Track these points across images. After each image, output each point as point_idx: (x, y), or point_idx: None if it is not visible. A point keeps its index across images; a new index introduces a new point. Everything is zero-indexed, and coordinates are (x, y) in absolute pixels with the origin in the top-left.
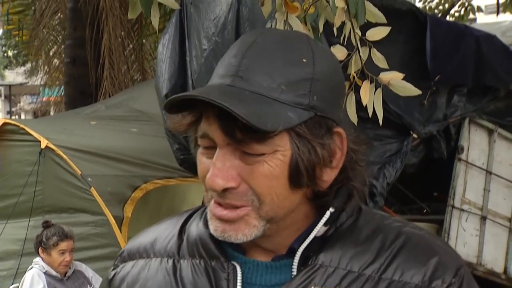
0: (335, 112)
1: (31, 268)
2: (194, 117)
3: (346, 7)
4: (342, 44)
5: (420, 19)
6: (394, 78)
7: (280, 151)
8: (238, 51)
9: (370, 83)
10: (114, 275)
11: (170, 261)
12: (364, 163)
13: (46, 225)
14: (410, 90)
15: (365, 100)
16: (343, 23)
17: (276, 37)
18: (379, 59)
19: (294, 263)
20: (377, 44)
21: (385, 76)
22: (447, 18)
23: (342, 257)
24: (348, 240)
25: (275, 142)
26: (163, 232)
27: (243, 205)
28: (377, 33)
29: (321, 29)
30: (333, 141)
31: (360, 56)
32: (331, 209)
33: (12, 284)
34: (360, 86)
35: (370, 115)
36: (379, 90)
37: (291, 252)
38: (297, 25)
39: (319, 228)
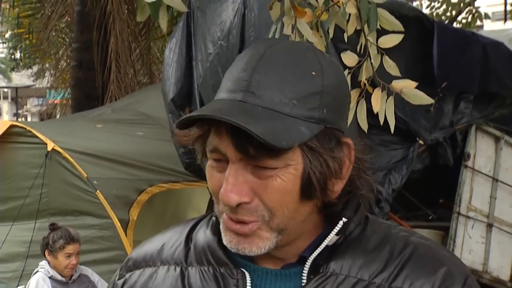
0: (342, 122)
1: (37, 271)
2: (202, 131)
3: (358, 13)
4: (359, 52)
5: (427, 26)
6: (407, 87)
7: (292, 165)
8: (247, 65)
9: (382, 91)
10: (123, 285)
11: (178, 269)
12: (370, 172)
13: (53, 227)
14: (422, 98)
15: (376, 108)
16: (359, 31)
17: (284, 50)
18: (391, 67)
19: (304, 271)
20: (383, 50)
21: (397, 84)
22: (454, 25)
23: (352, 265)
24: (357, 249)
25: (288, 157)
26: (169, 240)
27: (253, 221)
28: (389, 41)
29: (331, 35)
30: (342, 153)
31: (371, 63)
32: (344, 219)
33: (17, 286)
34: (371, 94)
35: (382, 123)
36: (391, 98)
37: (301, 260)
38: (306, 30)
39: (331, 237)
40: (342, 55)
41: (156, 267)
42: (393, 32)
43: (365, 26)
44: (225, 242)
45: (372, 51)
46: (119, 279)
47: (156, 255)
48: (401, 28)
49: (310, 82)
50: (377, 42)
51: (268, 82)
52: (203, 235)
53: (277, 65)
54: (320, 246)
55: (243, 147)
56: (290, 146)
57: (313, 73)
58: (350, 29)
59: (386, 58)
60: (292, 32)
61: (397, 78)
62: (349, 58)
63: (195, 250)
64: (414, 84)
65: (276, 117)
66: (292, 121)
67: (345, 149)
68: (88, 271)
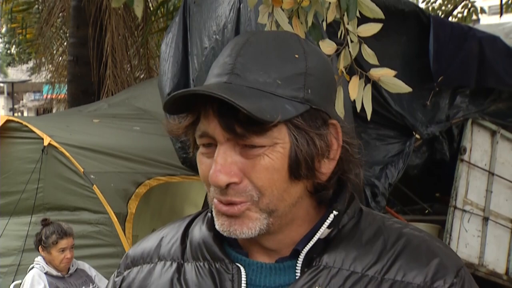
0: (328, 106)
1: (32, 267)
2: (192, 119)
3: (338, 1)
4: (340, 39)
5: (424, 20)
6: (385, 75)
7: (280, 143)
8: (232, 50)
9: (360, 79)
10: (122, 282)
11: (174, 265)
12: (358, 156)
13: (45, 223)
14: (400, 87)
15: (353, 95)
16: (340, 19)
17: (268, 36)
18: (370, 55)
19: (298, 265)
20: (379, 44)
21: (375, 72)
22: (450, 19)
23: (345, 258)
24: (350, 241)
25: (274, 135)
26: (166, 237)
27: (242, 202)
28: (369, 29)
29: (309, 23)
30: (329, 133)
31: (350, 52)
32: (335, 212)
33: (13, 281)
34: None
35: (358, 110)
36: (369, 86)
37: (295, 254)
38: (283, 19)
39: (323, 231)
40: (320, 42)
41: (154, 263)
42: (374, 20)
43: (345, 14)
44: (217, 227)
45: (353, 39)
46: (117, 276)
47: (153, 252)
48: (382, 16)
49: (294, 64)
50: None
51: (252, 64)
52: (198, 231)
53: (261, 49)
54: (313, 239)
55: (230, 126)
56: (274, 119)
57: (297, 56)
58: (330, 17)
59: (365, 47)
60: (268, 20)
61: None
62: (328, 46)
63: (191, 246)
64: (393, 72)
65: (261, 95)
66: (277, 99)
67: (332, 130)
68: (85, 266)
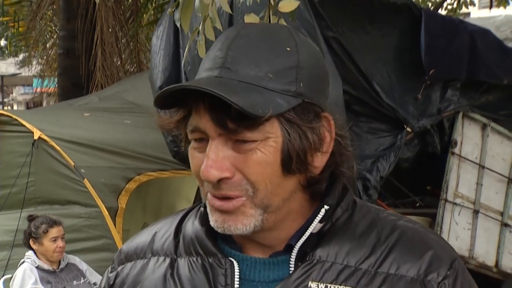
0: (321, 99)
1: (23, 262)
2: (183, 113)
3: None
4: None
5: (415, 13)
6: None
7: (272, 138)
8: (222, 44)
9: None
10: (115, 278)
11: (168, 260)
12: (351, 149)
13: (31, 218)
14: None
15: None
16: None
17: (258, 29)
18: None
19: (291, 259)
20: (371, 37)
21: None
22: (440, 11)
23: (338, 252)
24: (344, 235)
25: (266, 129)
26: (159, 232)
27: (237, 196)
28: (287, 5)
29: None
30: (321, 126)
31: None
32: (326, 207)
33: (3, 276)
34: None
35: None
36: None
37: (289, 248)
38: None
39: (315, 225)
40: (245, 16)
41: (147, 259)
42: None
43: None
44: (211, 223)
45: (269, 12)
46: (111, 272)
47: (147, 247)
48: None
49: (285, 57)
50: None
51: (243, 57)
52: (191, 225)
53: (251, 42)
54: (305, 234)
55: (222, 121)
56: (266, 114)
57: (288, 49)
58: None
59: (282, 21)
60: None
61: None
62: (251, 19)
63: (183, 241)
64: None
65: (252, 90)
66: (268, 93)
67: (325, 123)
68: (76, 260)
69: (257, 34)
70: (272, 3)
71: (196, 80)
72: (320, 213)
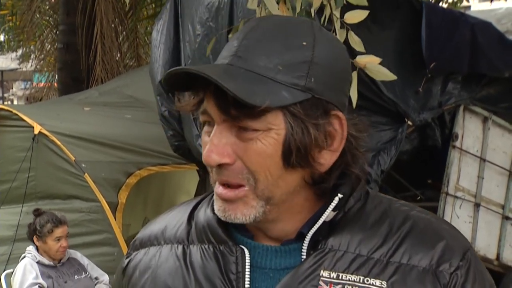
0: (336, 97)
1: (24, 257)
2: (199, 97)
3: None
4: (323, 25)
5: (416, 6)
6: (371, 62)
7: (274, 129)
8: (240, 33)
9: None
10: (128, 263)
11: (180, 247)
12: (364, 150)
13: (38, 213)
14: (386, 74)
15: None
16: (323, 5)
17: (278, 21)
18: (356, 43)
19: (303, 247)
20: (371, 30)
21: (361, 60)
22: (441, 4)
23: (351, 241)
24: (356, 224)
25: (268, 120)
26: (172, 220)
27: (239, 184)
28: (355, 16)
29: (298, 9)
30: (329, 124)
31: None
32: (340, 195)
33: (4, 270)
34: None
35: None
36: (354, 73)
37: (300, 236)
38: (272, 4)
39: (328, 213)
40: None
41: (160, 246)
42: (358, 7)
43: (332, 1)
44: (215, 210)
45: (337, 26)
46: (126, 258)
47: (160, 234)
48: (365, 3)
49: (299, 51)
50: (342, 18)
51: (256, 47)
52: (203, 213)
53: (267, 34)
54: (318, 222)
55: (225, 108)
56: (262, 104)
57: (304, 43)
58: (316, 3)
59: (352, 34)
60: (258, 6)
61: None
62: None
63: (196, 228)
64: (378, 60)
65: (257, 80)
66: (274, 85)
67: (335, 122)
68: (77, 255)
69: (275, 26)
70: (332, 9)
71: (202, 66)
72: (333, 201)
